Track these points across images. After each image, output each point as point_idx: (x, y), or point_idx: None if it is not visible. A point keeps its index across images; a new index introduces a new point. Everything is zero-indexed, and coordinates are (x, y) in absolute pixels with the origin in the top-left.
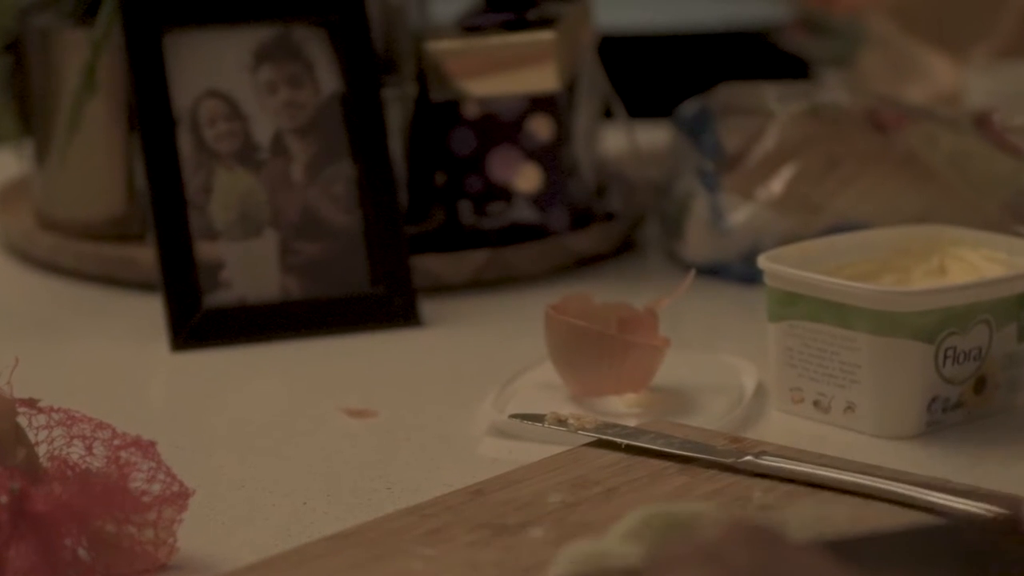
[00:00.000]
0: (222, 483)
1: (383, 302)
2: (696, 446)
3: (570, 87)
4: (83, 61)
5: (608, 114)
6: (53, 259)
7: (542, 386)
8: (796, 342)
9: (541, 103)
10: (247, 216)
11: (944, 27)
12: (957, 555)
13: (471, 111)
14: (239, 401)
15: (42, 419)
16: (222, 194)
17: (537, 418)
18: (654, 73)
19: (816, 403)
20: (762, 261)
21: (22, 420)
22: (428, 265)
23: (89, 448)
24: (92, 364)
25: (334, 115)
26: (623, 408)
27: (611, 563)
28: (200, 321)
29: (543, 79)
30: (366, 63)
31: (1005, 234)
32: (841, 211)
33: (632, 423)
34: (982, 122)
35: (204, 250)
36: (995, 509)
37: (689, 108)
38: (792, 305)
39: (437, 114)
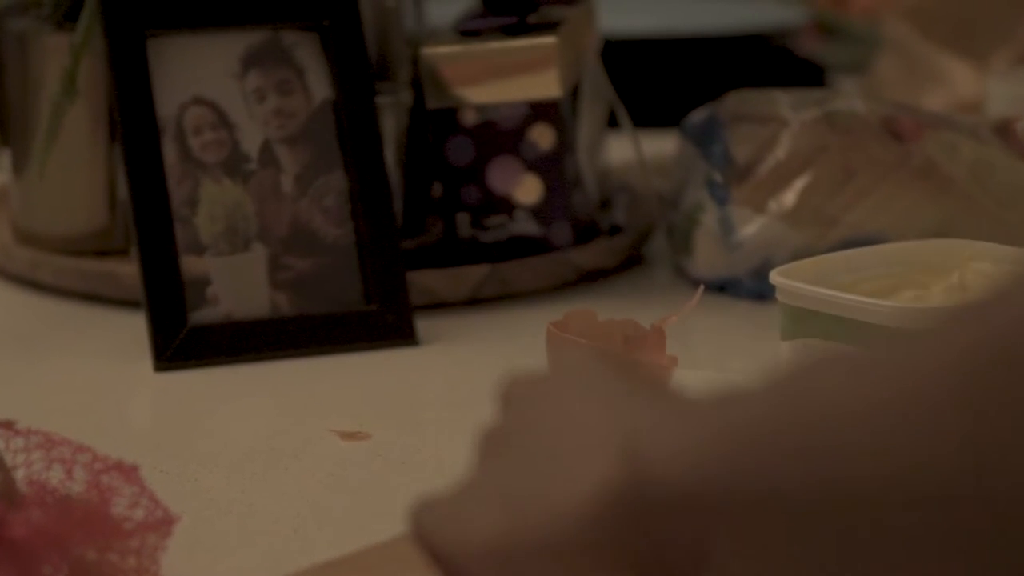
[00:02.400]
0: (208, 509)
1: (377, 319)
2: None
3: (573, 94)
4: (63, 67)
5: (613, 122)
6: (31, 274)
7: None
8: None
9: (542, 111)
10: (234, 229)
11: (964, 32)
12: None
13: (469, 119)
14: (226, 423)
15: (20, 442)
16: (208, 206)
17: None
18: (660, 79)
19: None
20: (774, 276)
21: None
22: (424, 280)
23: (69, 472)
24: (72, 384)
25: (326, 123)
26: None
27: None
28: (185, 339)
29: (544, 86)
30: (359, 69)
31: None
32: (857, 224)
33: None
34: (1004, 131)
35: (189, 265)
36: None
37: (697, 116)
38: (806, 322)
39: (434, 122)
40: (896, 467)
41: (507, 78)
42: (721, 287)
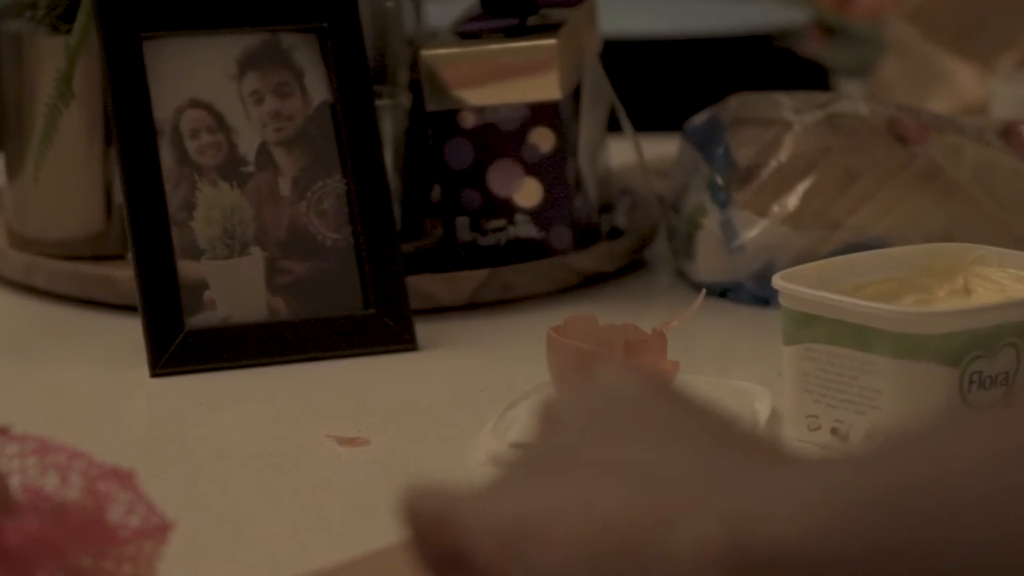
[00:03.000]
0: (205, 515)
1: (376, 324)
2: None
3: (573, 96)
4: (58, 69)
5: (614, 125)
6: (27, 279)
7: None
8: (813, 366)
9: (543, 113)
10: (232, 233)
11: (968, 34)
12: None
13: (469, 121)
14: (223, 428)
15: (14, 448)
16: (205, 210)
17: None
18: (662, 81)
19: (834, 431)
20: (776, 281)
21: None
22: (423, 285)
23: (64, 478)
24: (68, 389)
25: (324, 126)
26: None
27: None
28: (182, 344)
29: (545, 88)
30: (358, 71)
31: None
32: (860, 228)
33: None
34: (1008, 133)
35: (186, 269)
36: None
37: (699, 118)
38: (808, 327)
39: (433, 125)
40: None
41: (507, 80)
42: (723, 291)
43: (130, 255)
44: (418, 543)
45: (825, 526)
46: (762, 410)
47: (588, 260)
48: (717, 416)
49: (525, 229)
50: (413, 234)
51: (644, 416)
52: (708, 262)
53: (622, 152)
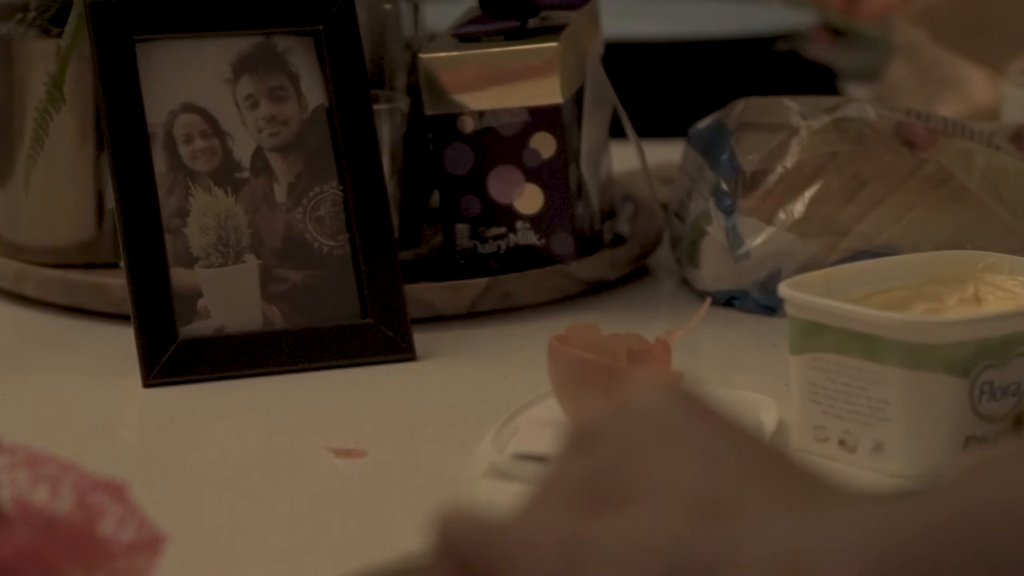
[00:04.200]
0: (198, 528)
1: (373, 333)
2: None
3: (575, 101)
4: (49, 73)
5: (617, 130)
6: (17, 287)
7: (545, 423)
8: (820, 376)
9: (544, 118)
10: (226, 240)
11: (978, 37)
12: None
13: (468, 126)
14: (217, 440)
15: (4, 459)
16: (199, 216)
17: (540, 458)
18: (666, 85)
19: (842, 442)
20: (783, 289)
21: None
22: (422, 293)
23: (55, 491)
24: (59, 399)
25: (320, 131)
26: None
27: None
28: (175, 353)
29: (546, 92)
30: (355, 75)
31: None
32: (868, 235)
33: None
34: (1020, 138)
35: (180, 277)
36: None
37: (704, 123)
38: (815, 336)
39: (432, 129)
40: None
41: (507, 84)
42: (728, 300)
43: (122, 263)
44: (450, 565)
45: (882, 567)
46: (768, 421)
47: (590, 268)
48: (758, 440)
49: (526, 236)
50: (411, 241)
51: (685, 439)
52: (713, 270)
53: (625, 158)
